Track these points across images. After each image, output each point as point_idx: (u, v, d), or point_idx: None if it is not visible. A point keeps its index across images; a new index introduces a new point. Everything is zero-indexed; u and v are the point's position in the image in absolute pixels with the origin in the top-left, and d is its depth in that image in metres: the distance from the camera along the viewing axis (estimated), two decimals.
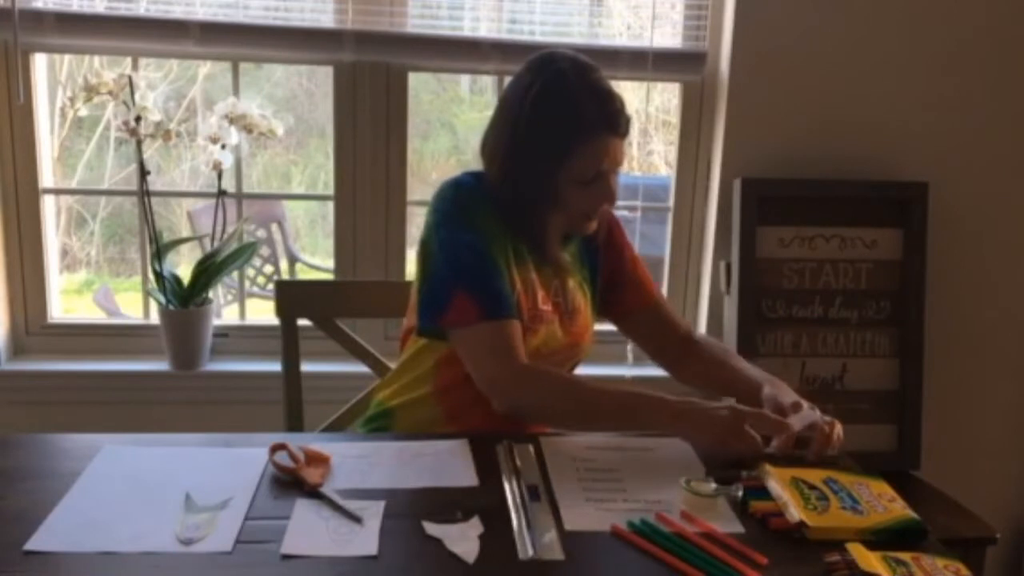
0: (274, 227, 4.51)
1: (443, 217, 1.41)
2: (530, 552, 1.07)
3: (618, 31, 2.34)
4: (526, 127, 1.38)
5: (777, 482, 1.20)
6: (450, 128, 5.33)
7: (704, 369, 1.59)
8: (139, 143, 2.05)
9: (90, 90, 1.98)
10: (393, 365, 1.68)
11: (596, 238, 1.55)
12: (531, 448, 1.34)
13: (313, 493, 1.18)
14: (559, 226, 1.48)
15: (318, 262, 4.80)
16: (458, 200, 1.42)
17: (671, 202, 2.30)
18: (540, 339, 1.44)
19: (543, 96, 1.37)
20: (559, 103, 1.36)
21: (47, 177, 2.16)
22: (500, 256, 1.40)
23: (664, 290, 2.34)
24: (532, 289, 1.45)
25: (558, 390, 1.38)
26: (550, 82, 1.37)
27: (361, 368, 1.78)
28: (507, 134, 1.41)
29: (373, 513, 1.13)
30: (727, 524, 1.15)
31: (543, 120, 1.37)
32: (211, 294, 2.16)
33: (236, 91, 2.16)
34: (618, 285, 1.60)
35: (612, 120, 1.37)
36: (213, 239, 2.16)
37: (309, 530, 1.09)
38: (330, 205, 2.22)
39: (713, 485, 1.21)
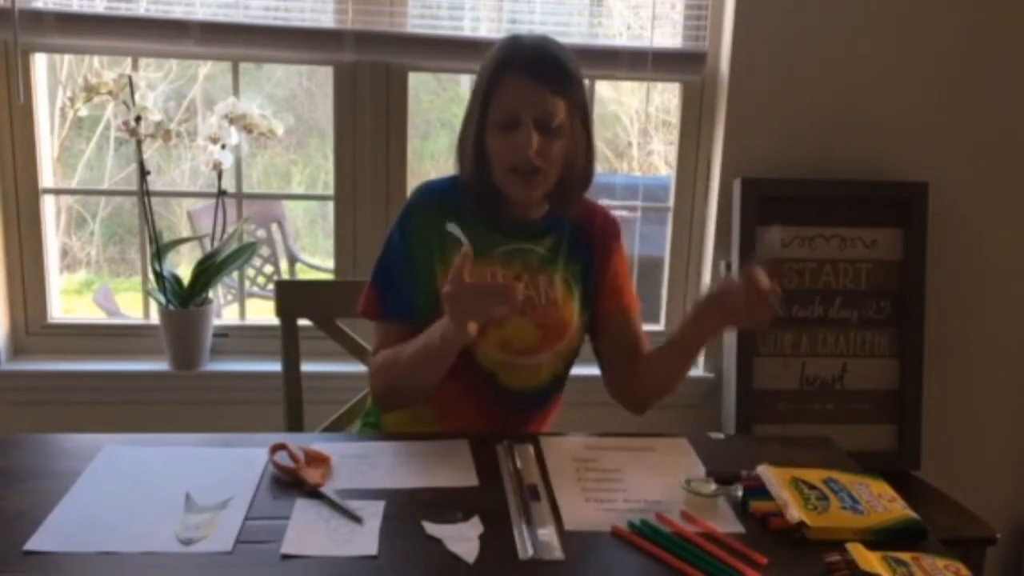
0: (274, 227, 4.51)
1: (396, 219, 1.50)
2: (530, 552, 1.07)
3: (618, 31, 2.33)
4: (471, 93, 1.46)
5: (777, 482, 1.21)
6: (450, 128, 5.31)
7: (642, 372, 1.53)
8: (139, 143, 2.05)
9: (90, 90, 1.98)
10: None
11: (590, 236, 1.54)
12: (531, 448, 1.34)
13: (313, 493, 1.18)
14: (516, 209, 1.48)
15: (318, 262, 4.80)
16: (409, 203, 1.50)
17: (671, 202, 2.30)
18: (507, 332, 1.43)
19: (486, 57, 1.44)
20: (491, 55, 1.43)
21: (47, 177, 2.16)
22: (428, 256, 1.45)
23: (664, 290, 2.34)
24: (494, 281, 1.44)
25: (383, 372, 1.43)
26: (497, 44, 1.44)
27: (361, 368, 1.78)
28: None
29: (373, 513, 1.13)
30: (727, 524, 1.16)
31: (478, 74, 1.44)
32: (211, 294, 2.16)
33: (236, 91, 2.16)
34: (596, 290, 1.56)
35: (531, 63, 1.38)
36: (213, 239, 2.16)
37: (309, 530, 1.09)
38: (330, 205, 2.22)
39: (713, 485, 1.21)
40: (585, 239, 1.54)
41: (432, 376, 1.38)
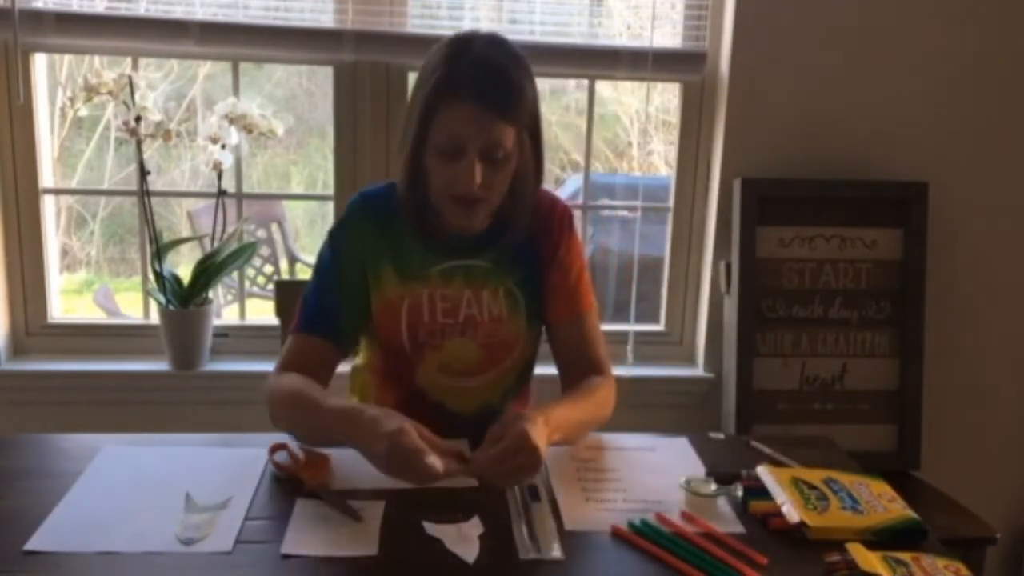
0: (274, 227, 4.51)
1: (329, 233, 1.43)
2: (530, 552, 1.07)
3: (618, 31, 2.34)
4: (411, 94, 1.34)
5: (777, 482, 1.21)
6: None
7: None
8: (139, 143, 2.05)
9: (90, 90, 1.98)
10: None
11: (535, 231, 1.43)
12: None
13: (313, 493, 1.18)
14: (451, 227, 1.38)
15: None
16: (342, 217, 1.43)
17: (671, 202, 2.30)
18: (447, 354, 1.40)
19: (430, 58, 1.30)
20: (435, 61, 1.28)
21: (47, 177, 2.16)
22: (359, 275, 1.38)
23: (664, 290, 2.34)
24: (432, 303, 1.39)
25: (282, 400, 1.32)
26: (442, 46, 1.30)
27: None
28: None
29: (373, 513, 1.13)
30: (727, 524, 1.16)
31: (420, 77, 1.31)
32: (211, 294, 2.16)
33: (236, 91, 2.16)
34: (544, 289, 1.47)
35: (479, 86, 1.24)
36: (213, 239, 2.16)
37: (309, 530, 1.09)
38: (330, 205, 2.22)
39: (713, 485, 1.21)
40: (530, 235, 1.42)
41: (320, 441, 1.28)
